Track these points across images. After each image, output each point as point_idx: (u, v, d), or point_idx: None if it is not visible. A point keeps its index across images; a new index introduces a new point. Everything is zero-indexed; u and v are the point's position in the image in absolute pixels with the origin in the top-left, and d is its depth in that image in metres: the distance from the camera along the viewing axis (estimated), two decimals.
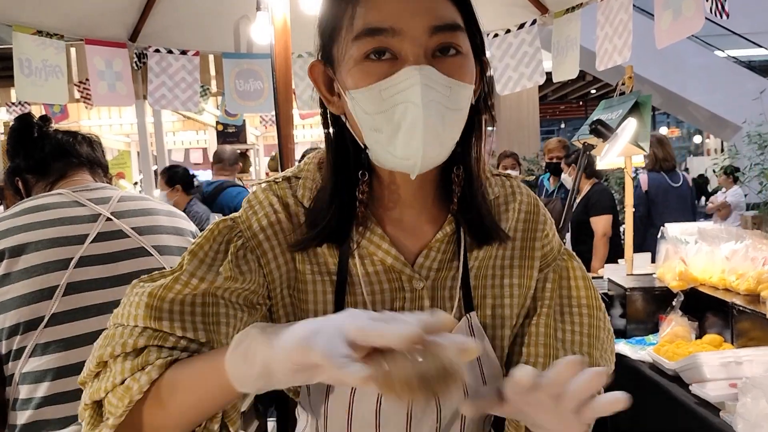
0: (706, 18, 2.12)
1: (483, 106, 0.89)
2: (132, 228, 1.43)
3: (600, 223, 4.26)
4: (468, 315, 0.92)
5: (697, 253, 2.63)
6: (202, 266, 0.85)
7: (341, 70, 0.83)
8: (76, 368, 1.29)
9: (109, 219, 1.42)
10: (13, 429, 1.30)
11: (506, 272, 0.96)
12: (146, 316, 0.81)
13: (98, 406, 0.83)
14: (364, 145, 0.85)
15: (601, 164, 3.34)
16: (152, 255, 1.43)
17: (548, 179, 5.32)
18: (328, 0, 0.86)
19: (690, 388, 2.03)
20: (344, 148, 0.88)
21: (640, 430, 2.01)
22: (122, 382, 0.79)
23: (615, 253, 4.05)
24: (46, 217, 1.36)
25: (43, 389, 1.28)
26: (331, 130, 0.90)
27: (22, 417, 1.29)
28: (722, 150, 13.68)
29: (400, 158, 0.81)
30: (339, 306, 0.89)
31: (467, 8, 0.83)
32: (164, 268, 1.43)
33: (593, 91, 16.20)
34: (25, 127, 1.53)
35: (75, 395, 1.30)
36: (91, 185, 1.50)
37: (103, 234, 1.39)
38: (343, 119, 0.88)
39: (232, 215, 0.90)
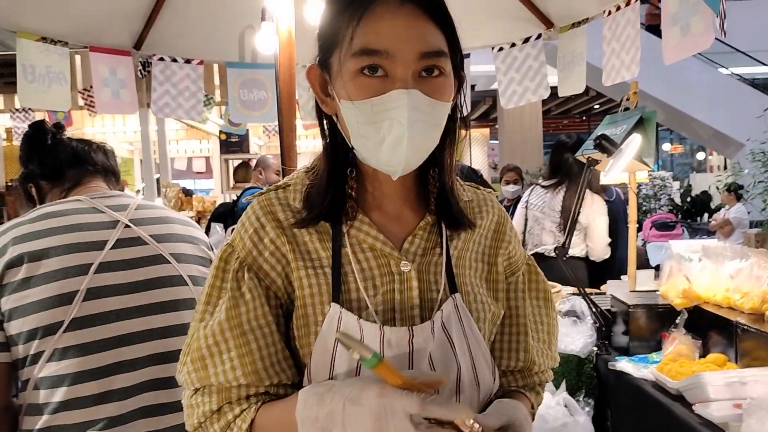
0: None
1: (457, 116, 1.01)
2: (150, 235, 1.44)
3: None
4: (453, 296, 1.00)
5: (701, 271, 2.61)
6: (213, 305, 0.98)
7: (336, 79, 0.94)
8: (93, 373, 1.29)
9: (127, 226, 1.42)
10: None
11: (478, 266, 1.08)
12: (199, 378, 0.95)
13: None
14: (351, 146, 0.97)
15: (605, 180, 3.33)
16: (170, 262, 1.44)
17: None
18: (330, 14, 0.95)
19: (693, 408, 2.00)
20: (335, 144, 1.00)
21: None
22: None
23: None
24: (65, 222, 1.36)
25: (60, 394, 1.28)
26: (325, 125, 1.02)
27: (37, 422, 1.28)
28: (725, 167, 13.69)
29: (384, 164, 0.94)
30: (336, 296, 0.95)
31: (452, 33, 0.94)
32: (181, 275, 1.43)
33: (596, 106, 16.23)
34: (38, 134, 1.53)
35: (91, 401, 1.29)
36: (108, 192, 1.51)
37: (121, 240, 1.40)
38: (335, 119, 0.99)
39: (230, 240, 0.99)
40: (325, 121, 1.02)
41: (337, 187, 0.98)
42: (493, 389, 1.03)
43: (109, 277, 1.36)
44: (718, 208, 10.51)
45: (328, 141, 1.01)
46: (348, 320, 0.94)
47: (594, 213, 3.83)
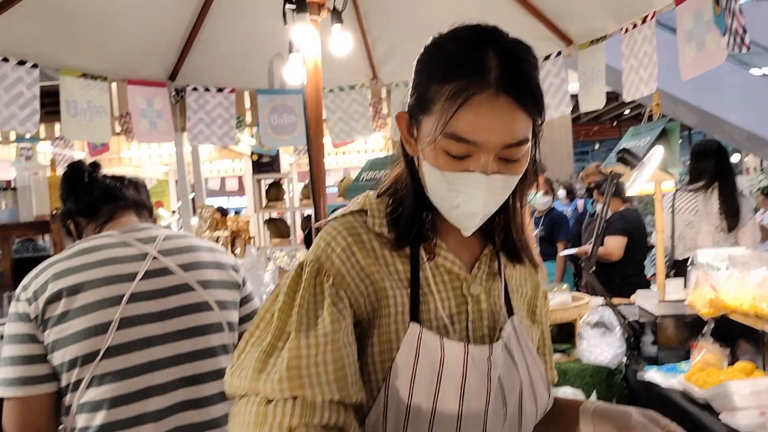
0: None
1: (529, 169, 1.03)
2: (177, 265, 1.52)
3: (607, 243, 4.34)
4: (511, 318, 1.09)
5: (728, 280, 2.62)
6: (307, 317, 0.96)
7: (423, 137, 0.99)
8: (129, 398, 1.39)
9: (155, 257, 1.51)
10: None
11: (522, 290, 1.17)
12: (291, 387, 0.92)
13: None
14: (427, 189, 1.02)
15: (630, 191, 3.37)
16: (196, 290, 1.52)
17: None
18: (431, 78, 0.96)
19: (720, 416, 2.04)
20: (416, 180, 1.05)
21: None
22: None
23: (638, 278, 4.06)
24: (98, 257, 1.46)
25: (100, 417, 1.37)
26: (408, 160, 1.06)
27: None
28: (761, 169, 13.42)
29: (455, 223, 1.01)
30: (414, 315, 1.00)
31: (540, 113, 0.98)
32: (207, 301, 1.52)
33: (627, 112, 16.09)
34: (76, 173, 1.64)
35: (129, 423, 1.38)
36: (138, 226, 1.60)
37: (150, 272, 1.49)
38: (416, 161, 1.04)
39: (313, 257, 1.01)
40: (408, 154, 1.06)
41: (419, 213, 1.04)
42: (548, 403, 1.13)
43: (140, 307, 1.45)
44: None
45: (410, 173, 1.06)
46: (429, 339, 0.99)
47: None
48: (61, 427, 1.45)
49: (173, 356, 1.45)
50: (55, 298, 1.39)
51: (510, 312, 1.10)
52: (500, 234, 1.09)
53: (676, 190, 4.09)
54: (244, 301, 1.67)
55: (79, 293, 1.41)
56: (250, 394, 0.95)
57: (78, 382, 1.38)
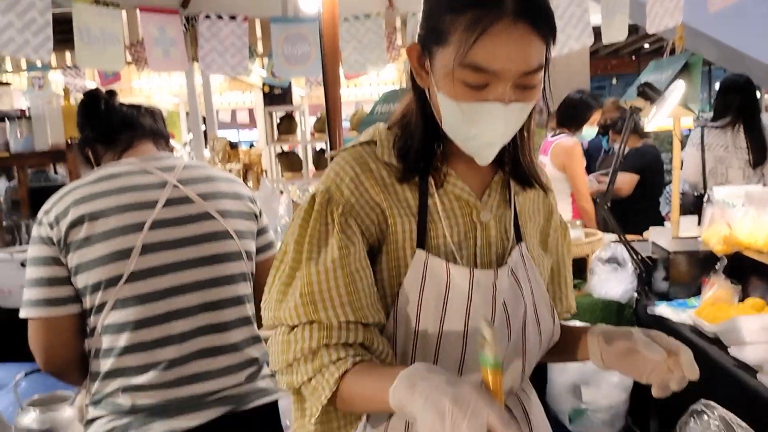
0: None
1: (539, 99, 1.03)
2: (197, 194, 1.54)
3: (618, 179, 4.29)
4: (519, 245, 1.10)
5: (743, 217, 2.62)
6: (318, 245, 1.00)
7: (438, 69, 0.98)
8: (153, 320, 1.43)
9: (176, 186, 1.52)
10: (96, 376, 1.45)
11: (535, 219, 1.18)
12: (306, 313, 0.97)
13: (297, 392, 1.01)
14: (440, 121, 1.02)
15: (649, 126, 3.33)
16: (216, 219, 1.54)
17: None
18: (446, 7, 0.95)
19: (729, 350, 2.07)
20: (425, 112, 1.05)
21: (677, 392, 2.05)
22: (310, 380, 0.96)
23: (652, 215, 4.05)
24: (119, 184, 1.48)
25: (123, 339, 1.42)
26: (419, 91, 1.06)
27: (105, 365, 1.43)
28: None
29: (470, 153, 1.02)
30: (421, 242, 1.03)
31: (553, 37, 0.98)
32: (227, 230, 1.54)
33: (646, 46, 15.68)
34: (93, 101, 1.63)
35: (151, 345, 1.43)
36: (157, 154, 1.60)
37: (171, 200, 1.51)
38: (427, 92, 1.04)
39: (323, 187, 1.03)
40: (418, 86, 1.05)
41: (429, 146, 1.05)
42: (555, 333, 1.15)
43: (161, 234, 1.48)
44: None
45: (420, 104, 1.05)
46: (435, 264, 1.01)
47: None
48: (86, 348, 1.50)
49: (194, 282, 1.48)
50: (77, 222, 1.41)
51: (519, 239, 1.12)
52: (510, 160, 1.10)
53: (704, 126, 4.03)
54: (261, 232, 1.69)
55: (100, 219, 1.43)
56: (276, 325, 1.01)
57: (102, 305, 1.42)
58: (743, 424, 1.36)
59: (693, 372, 1.01)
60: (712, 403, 1.41)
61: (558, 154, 3.88)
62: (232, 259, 1.55)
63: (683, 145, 4.03)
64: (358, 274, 0.99)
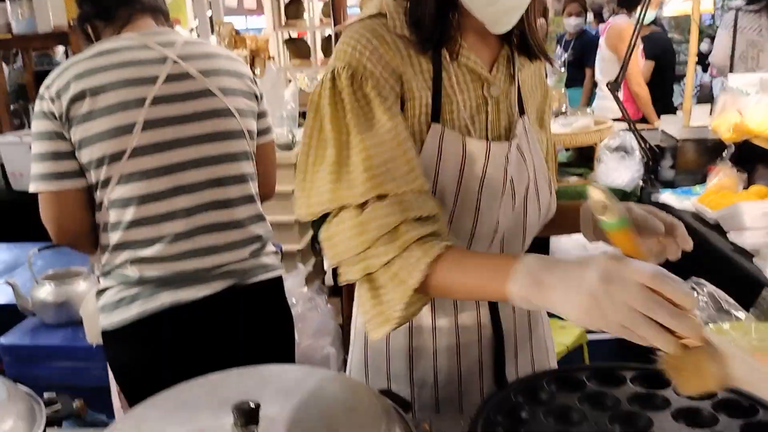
0: None
1: None
2: (198, 70, 1.52)
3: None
4: (522, 117, 1.10)
5: (756, 105, 2.57)
6: (365, 118, 0.96)
7: None
8: (156, 196, 1.45)
9: (176, 62, 1.50)
10: (106, 248, 1.49)
11: (535, 94, 1.18)
12: (374, 186, 0.92)
13: (370, 278, 0.95)
14: None
15: (666, 11, 3.20)
16: (217, 96, 1.53)
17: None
18: None
19: (728, 235, 2.10)
20: None
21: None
22: (389, 263, 0.91)
23: (666, 105, 3.97)
24: (118, 59, 1.46)
25: (129, 213, 1.45)
26: None
27: (113, 237, 1.47)
28: None
29: (488, 22, 0.98)
30: (436, 111, 1.02)
31: None
32: (228, 108, 1.53)
33: None
34: None
35: (157, 219, 1.46)
36: (156, 29, 1.57)
37: (171, 76, 1.49)
38: None
39: (344, 63, 0.99)
40: None
41: (443, 14, 1.00)
42: (551, 206, 1.17)
43: (162, 110, 1.47)
44: None
45: None
46: (451, 137, 1.01)
47: None
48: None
49: (197, 159, 1.49)
50: (79, 97, 1.41)
51: (521, 112, 1.12)
52: (517, 32, 1.08)
53: (738, 9, 3.87)
54: (260, 115, 1.68)
55: (101, 94, 1.42)
56: (333, 208, 0.95)
57: (107, 180, 1.44)
58: (731, 300, 1.40)
59: (687, 243, 1.03)
60: (702, 280, 1.45)
61: (611, 36, 3.78)
62: (234, 137, 1.56)
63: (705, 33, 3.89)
64: (408, 142, 0.96)
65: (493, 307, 1.13)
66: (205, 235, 1.51)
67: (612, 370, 0.95)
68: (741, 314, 1.39)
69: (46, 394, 0.97)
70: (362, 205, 0.93)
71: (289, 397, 0.88)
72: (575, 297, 0.74)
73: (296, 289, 2.47)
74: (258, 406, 0.81)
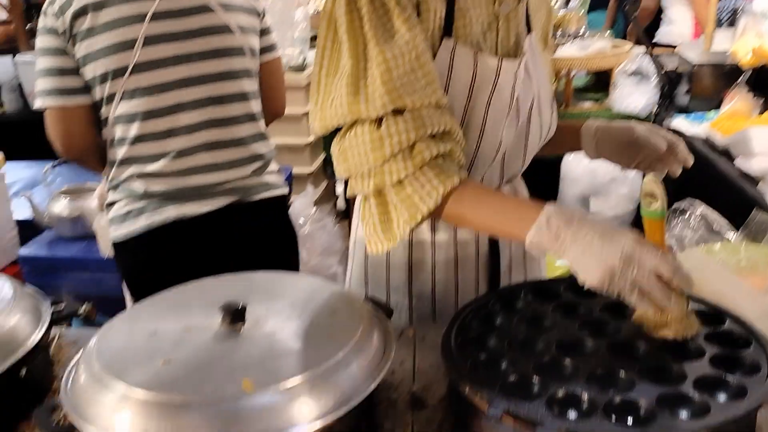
0: None
1: None
2: None
3: None
4: (529, 35, 1.11)
5: None
6: (383, 29, 0.93)
7: None
8: (161, 112, 1.48)
9: None
10: (113, 163, 1.53)
11: (540, 14, 1.17)
12: (392, 100, 0.91)
13: (380, 194, 0.96)
14: None
15: None
16: (216, 12, 1.52)
17: None
18: None
19: (736, 161, 2.08)
20: None
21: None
22: (401, 181, 0.92)
23: None
24: None
25: (134, 129, 1.48)
26: None
27: (119, 153, 1.51)
28: None
29: None
30: (449, 26, 1.00)
31: None
32: (228, 24, 1.53)
33: None
34: None
35: (160, 136, 1.49)
36: None
37: None
38: None
39: None
40: None
41: None
42: (552, 123, 1.17)
43: (163, 26, 1.47)
44: None
45: None
46: (463, 53, 1.01)
47: None
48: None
49: (199, 76, 1.51)
50: (81, 13, 1.42)
51: (528, 30, 1.12)
52: None
53: None
54: (264, 32, 1.67)
55: (103, 9, 1.43)
56: (348, 121, 0.94)
57: (111, 96, 1.47)
58: (723, 221, 1.41)
59: (688, 160, 1.09)
60: (696, 201, 1.45)
61: None
62: (235, 53, 1.56)
63: None
64: (427, 54, 0.95)
65: None
66: (207, 152, 1.54)
67: None
68: (732, 235, 1.40)
69: (53, 298, 1.03)
70: (378, 120, 0.93)
71: (276, 300, 0.93)
72: (593, 265, 0.79)
73: (305, 209, 2.52)
74: (245, 306, 0.86)
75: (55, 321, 0.98)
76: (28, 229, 2.23)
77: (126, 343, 0.85)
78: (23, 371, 0.88)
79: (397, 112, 0.92)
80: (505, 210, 0.92)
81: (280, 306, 0.91)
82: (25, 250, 2.13)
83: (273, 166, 1.68)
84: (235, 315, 0.85)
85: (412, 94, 0.92)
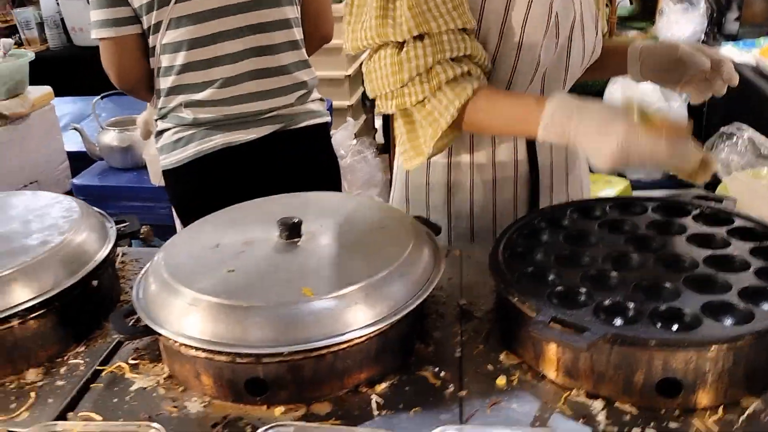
0: None
1: None
2: None
3: None
4: None
5: None
6: None
7: None
8: (204, 41, 1.50)
9: None
10: (161, 92, 1.57)
11: None
12: (417, 24, 0.95)
13: (406, 113, 1.04)
14: None
15: None
16: None
17: None
18: None
19: None
20: None
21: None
22: (423, 101, 0.98)
23: None
24: None
25: (180, 58, 1.51)
26: None
27: (167, 82, 1.54)
28: None
29: None
30: None
31: None
32: None
33: None
34: None
35: (206, 64, 1.52)
36: None
37: None
38: None
39: None
40: None
41: None
42: (597, 47, 1.17)
43: None
44: None
45: None
46: None
47: None
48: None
49: (240, 3, 1.51)
50: None
51: None
52: None
53: None
54: None
55: None
56: (376, 44, 0.99)
57: (158, 25, 1.49)
58: None
59: (733, 79, 1.08)
60: (743, 125, 1.44)
61: None
62: None
63: None
64: None
65: (531, 144, 1.17)
66: (252, 80, 1.56)
67: (634, 201, 1.00)
68: None
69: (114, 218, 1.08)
70: (402, 44, 0.97)
71: (328, 217, 0.96)
72: (604, 145, 0.83)
73: (345, 141, 2.54)
74: (300, 221, 0.90)
75: (119, 238, 1.03)
76: (79, 161, 2.30)
77: (191, 255, 0.90)
78: (95, 282, 0.93)
79: (420, 37, 0.96)
80: (515, 113, 0.97)
81: (333, 222, 0.95)
82: (78, 181, 2.22)
83: (315, 94, 1.70)
84: (292, 229, 0.89)
85: (436, 20, 0.96)
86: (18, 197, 1.10)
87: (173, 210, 1.77)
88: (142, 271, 0.91)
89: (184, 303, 0.79)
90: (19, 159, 2.23)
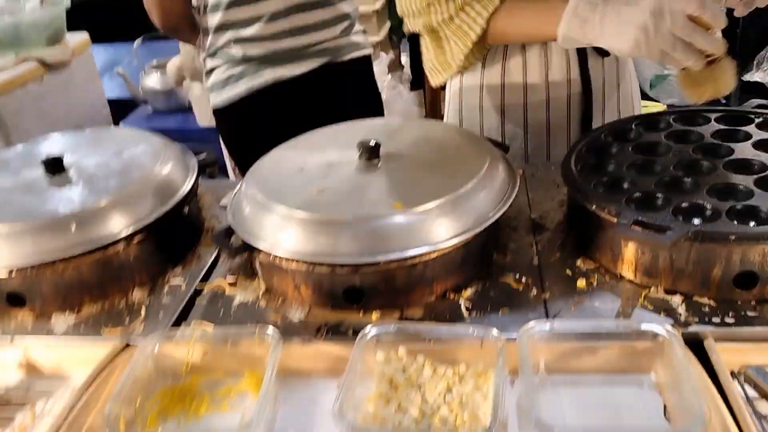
0: None
1: None
2: None
3: None
4: None
5: None
6: None
7: None
8: None
9: None
10: (209, 30, 1.59)
11: None
12: None
13: (433, 31, 1.11)
14: None
15: None
16: None
17: None
18: None
19: None
20: None
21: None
22: (452, 18, 1.05)
23: None
24: None
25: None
26: None
27: (214, 19, 1.56)
28: None
29: None
30: None
31: None
32: None
33: None
34: None
35: (247, 23, 1.53)
36: None
37: None
38: None
39: None
40: None
41: None
42: None
43: None
44: None
45: None
46: None
47: None
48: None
49: None
50: None
51: None
52: None
53: None
54: None
55: None
56: None
57: None
58: None
59: None
60: None
61: None
62: None
63: None
64: None
65: (583, 62, 1.19)
66: (299, 14, 1.58)
67: (697, 113, 1.02)
68: None
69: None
70: None
71: (403, 139, 1.00)
72: (625, 31, 0.85)
73: (380, 76, 2.55)
74: (378, 143, 0.94)
75: (200, 169, 1.08)
76: (121, 107, 2.34)
77: (279, 177, 0.94)
78: (186, 209, 0.99)
79: None
80: (537, 14, 1.02)
81: (408, 144, 0.98)
82: (125, 124, 2.26)
83: (358, 26, 1.72)
84: (371, 151, 0.93)
85: None
86: (107, 132, 1.16)
87: (223, 149, 1.81)
88: (231, 197, 0.96)
89: (282, 220, 0.84)
90: (64, 107, 2.27)
